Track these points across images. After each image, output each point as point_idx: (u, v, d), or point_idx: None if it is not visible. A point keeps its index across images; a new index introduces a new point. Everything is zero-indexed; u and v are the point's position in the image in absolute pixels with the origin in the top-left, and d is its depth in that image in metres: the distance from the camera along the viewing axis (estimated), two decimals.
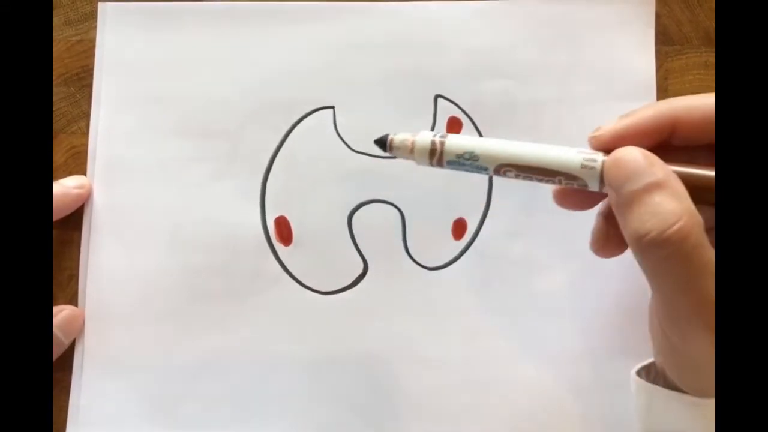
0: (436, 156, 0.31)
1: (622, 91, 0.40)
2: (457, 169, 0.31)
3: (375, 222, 0.39)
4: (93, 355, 0.39)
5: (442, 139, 0.31)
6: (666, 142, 0.29)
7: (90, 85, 0.41)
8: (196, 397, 0.38)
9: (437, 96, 0.40)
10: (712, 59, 0.41)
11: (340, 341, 0.38)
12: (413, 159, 0.32)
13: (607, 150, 0.29)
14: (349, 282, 0.39)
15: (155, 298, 0.39)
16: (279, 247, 0.39)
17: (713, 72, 0.40)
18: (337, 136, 0.40)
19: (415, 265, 0.39)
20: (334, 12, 0.41)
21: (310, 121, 0.40)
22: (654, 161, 0.27)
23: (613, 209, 0.29)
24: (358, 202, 0.39)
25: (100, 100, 0.41)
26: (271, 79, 0.40)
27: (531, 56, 0.40)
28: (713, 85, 0.40)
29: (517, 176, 0.30)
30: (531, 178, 0.30)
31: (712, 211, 0.27)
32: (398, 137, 0.32)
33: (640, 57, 0.40)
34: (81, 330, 0.39)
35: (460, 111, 0.40)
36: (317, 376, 0.38)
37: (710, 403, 0.28)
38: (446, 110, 0.40)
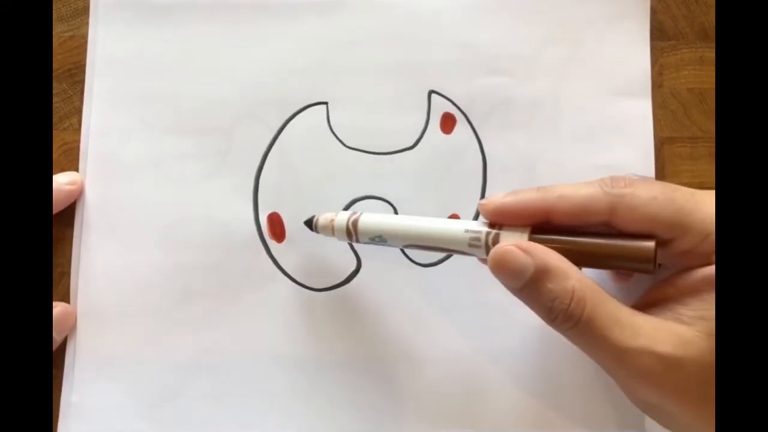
0: (353, 236, 0.35)
1: (617, 87, 0.40)
2: (373, 245, 0.35)
3: None
4: (85, 352, 0.39)
5: (356, 222, 0.35)
6: (548, 222, 0.31)
7: (82, 82, 0.41)
8: (189, 394, 0.38)
9: (431, 92, 0.40)
10: (708, 55, 0.40)
11: (333, 338, 0.38)
12: (336, 238, 0.36)
13: (492, 220, 0.32)
14: (342, 279, 0.39)
15: (148, 295, 0.39)
16: (272, 243, 0.39)
17: (708, 67, 0.40)
18: (330, 132, 0.40)
19: (409, 261, 0.39)
20: (328, 7, 0.41)
21: (303, 117, 0.40)
22: (528, 248, 0.30)
23: (517, 298, 0.31)
24: (351, 198, 0.39)
25: (92, 97, 0.40)
26: (264, 75, 0.40)
27: (526, 52, 0.40)
28: (708, 79, 0.40)
29: (421, 250, 0.34)
30: (433, 251, 0.34)
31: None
32: (322, 218, 0.36)
33: (635, 52, 0.40)
34: (73, 327, 0.39)
35: (454, 107, 0.40)
36: (310, 373, 0.38)
37: None
38: (440, 106, 0.40)
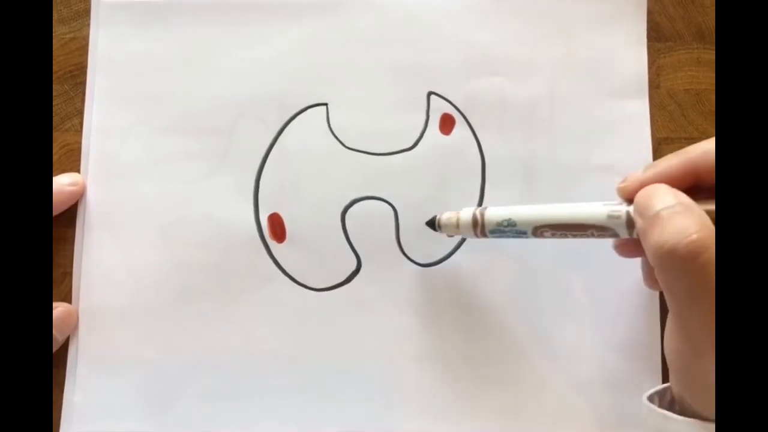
0: (478, 227, 0.34)
1: (614, 87, 0.40)
2: (499, 237, 0.34)
3: (368, 219, 0.39)
4: (87, 352, 0.39)
5: (482, 212, 0.34)
6: (696, 188, 0.30)
7: (83, 83, 0.41)
8: (190, 393, 0.38)
9: (430, 93, 0.40)
10: (705, 56, 0.41)
11: (333, 337, 0.39)
12: (459, 233, 0.36)
13: (633, 200, 0.31)
14: (342, 279, 0.39)
15: (149, 295, 0.39)
16: (272, 244, 0.39)
17: (705, 68, 0.41)
18: (330, 133, 0.40)
19: (408, 261, 0.39)
20: (328, 8, 0.41)
21: (304, 118, 0.40)
22: (680, 195, 0.29)
23: (640, 236, 0.29)
24: (351, 198, 0.39)
25: (94, 98, 0.41)
26: (264, 76, 0.40)
27: (523, 53, 0.40)
28: (705, 80, 0.40)
29: (553, 235, 0.33)
30: (566, 235, 0.33)
31: None
32: (444, 216, 0.36)
33: (632, 53, 0.40)
34: (75, 327, 0.39)
35: (453, 108, 0.40)
36: (311, 372, 0.38)
37: None
38: (439, 107, 0.40)
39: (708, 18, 0.41)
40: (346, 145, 0.40)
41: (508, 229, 0.33)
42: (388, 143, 0.40)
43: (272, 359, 0.38)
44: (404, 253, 0.39)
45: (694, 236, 0.27)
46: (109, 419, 0.38)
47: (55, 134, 0.41)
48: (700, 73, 0.41)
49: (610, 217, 0.31)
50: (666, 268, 0.28)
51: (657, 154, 0.40)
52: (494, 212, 0.34)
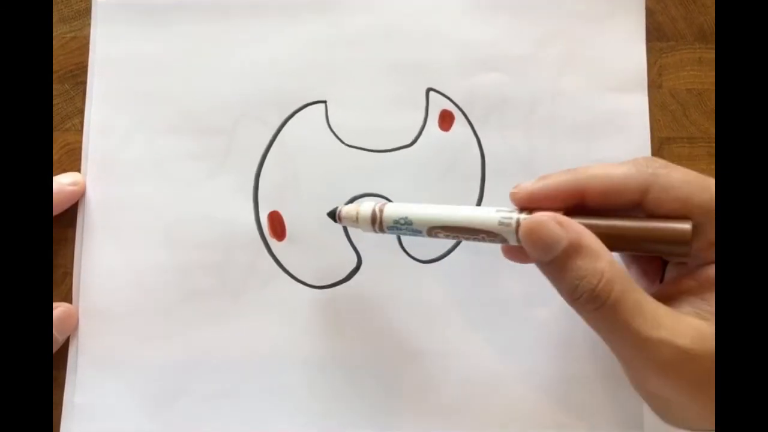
0: (377, 223, 0.34)
1: (614, 84, 0.40)
2: (396, 233, 0.35)
3: None
4: (87, 352, 0.39)
5: (381, 208, 0.34)
6: (581, 205, 0.31)
7: (84, 82, 0.41)
8: (191, 393, 0.38)
9: (429, 89, 0.40)
10: (706, 55, 0.41)
11: (334, 335, 0.38)
12: (358, 227, 0.35)
13: (524, 207, 0.31)
14: (343, 276, 0.39)
15: (149, 295, 0.39)
16: (273, 242, 0.39)
17: (707, 68, 0.41)
18: (329, 130, 0.40)
19: (409, 258, 0.39)
20: (326, 6, 0.41)
21: (303, 116, 0.40)
22: (563, 222, 0.29)
23: (543, 274, 0.30)
24: (351, 196, 0.39)
25: (94, 97, 0.41)
26: (263, 74, 0.41)
27: (523, 49, 0.40)
28: (707, 80, 0.40)
29: (447, 236, 0.33)
30: (458, 237, 0.33)
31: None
32: (345, 209, 0.35)
33: (631, 49, 0.40)
34: (75, 327, 0.39)
35: (452, 104, 0.40)
36: (311, 371, 0.38)
37: None
38: (438, 104, 0.40)
39: (709, 17, 0.41)
40: (346, 142, 0.40)
41: (404, 227, 0.33)
42: (387, 140, 0.40)
43: (273, 357, 0.38)
44: (404, 250, 0.39)
45: (603, 280, 0.28)
46: (110, 419, 0.38)
47: (55, 134, 0.41)
48: (701, 72, 0.41)
49: (501, 224, 0.31)
50: (586, 314, 0.29)
51: (659, 153, 0.40)
52: (392, 209, 0.34)
